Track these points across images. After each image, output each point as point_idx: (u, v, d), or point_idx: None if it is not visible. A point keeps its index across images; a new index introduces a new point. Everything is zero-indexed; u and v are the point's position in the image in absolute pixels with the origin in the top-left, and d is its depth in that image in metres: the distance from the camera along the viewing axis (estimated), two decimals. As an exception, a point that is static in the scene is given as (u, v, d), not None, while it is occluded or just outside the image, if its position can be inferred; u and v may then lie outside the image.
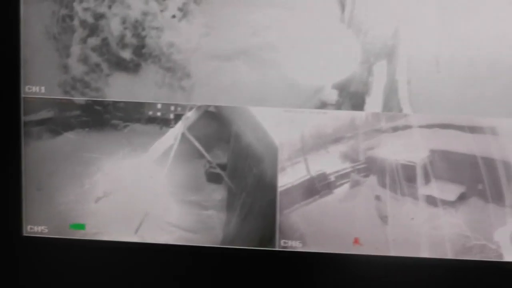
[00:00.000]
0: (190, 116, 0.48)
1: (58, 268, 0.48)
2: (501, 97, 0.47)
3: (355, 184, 0.48)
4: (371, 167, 0.48)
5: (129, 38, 0.47)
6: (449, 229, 0.48)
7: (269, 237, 0.48)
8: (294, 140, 0.48)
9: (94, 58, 0.48)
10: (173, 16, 0.47)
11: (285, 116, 0.47)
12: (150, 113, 0.48)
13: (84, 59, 0.48)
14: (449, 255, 0.48)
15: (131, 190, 0.48)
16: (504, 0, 0.46)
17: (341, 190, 0.48)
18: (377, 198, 0.48)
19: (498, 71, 0.47)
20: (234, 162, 0.48)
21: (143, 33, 0.47)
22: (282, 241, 0.48)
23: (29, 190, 0.48)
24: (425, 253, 0.48)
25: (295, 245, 0.48)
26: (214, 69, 0.47)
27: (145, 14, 0.47)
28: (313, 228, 0.48)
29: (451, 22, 0.47)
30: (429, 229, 0.48)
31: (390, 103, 0.47)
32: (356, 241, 0.48)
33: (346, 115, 0.47)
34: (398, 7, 0.47)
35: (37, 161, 0.48)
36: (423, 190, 0.48)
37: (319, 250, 0.48)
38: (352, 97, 0.47)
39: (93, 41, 0.48)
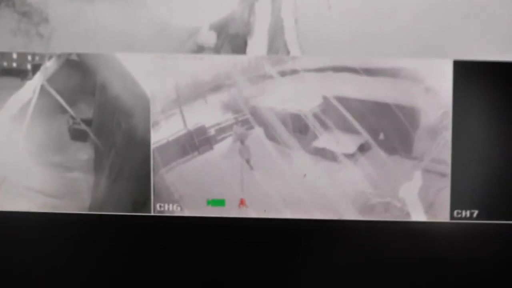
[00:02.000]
0: (50, 66, 0.42)
1: None
2: (402, 35, 0.42)
3: (239, 138, 0.42)
4: (256, 118, 0.42)
5: (-21, -20, 0.42)
6: (348, 185, 0.42)
7: (143, 201, 0.42)
8: (168, 90, 0.42)
9: None
10: (28, -46, 0.42)
11: (157, 63, 0.42)
12: (5, 64, 0.42)
13: None
14: (349, 215, 0.42)
15: (-15, 153, 0.42)
16: None
17: (223, 145, 0.42)
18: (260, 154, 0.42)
19: (398, 5, 0.41)
20: (100, 117, 0.42)
21: (-5, -26, 0.42)
22: (158, 205, 0.42)
23: None
24: (321, 215, 0.42)
25: (173, 209, 0.42)
26: (75, 12, 0.42)
27: (-4, -48, 0.42)
28: (193, 189, 0.42)
29: (343, -48, 0.41)
30: (325, 187, 0.42)
31: (276, 45, 0.42)
32: (242, 202, 0.42)
33: (225, 60, 0.42)
34: None
35: None
36: (316, 142, 0.42)
37: (200, 214, 0.42)
38: (232, 39, 0.42)
39: None
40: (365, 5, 0.41)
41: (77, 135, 0.42)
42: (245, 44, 0.42)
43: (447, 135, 0.41)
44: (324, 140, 0.42)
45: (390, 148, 0.41)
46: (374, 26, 0.42)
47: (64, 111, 0.42)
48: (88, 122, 0.42)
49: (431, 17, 0.41)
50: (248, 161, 0.42)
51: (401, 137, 0.41)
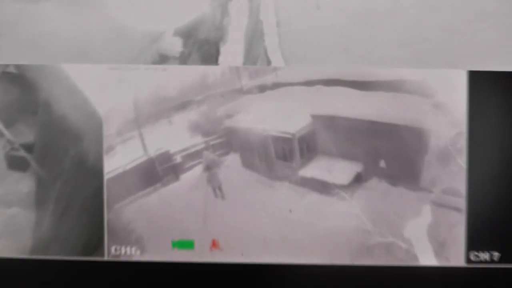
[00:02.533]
0: (-17, 80, 0.35)
1: None
2: (405, 40, 0.35)
3: (210, 166, 0.35)
4: (231, 141, 0.35)
5: None
6: (343, 223, 0.35)
7: (95, 243, 0.35)
8: (125, 108, 0.35)
9: None
10: None
11: (112, 76, 0.35)
12: None
13: None
14: (344, 259, 0.35)
15: None
16: None
17: (191, 175, 0.35)
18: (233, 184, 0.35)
19: (399, 4, 0.35)
20: (44, 141, 0.35)
21: None
22: (112, 248, 0.35)
23: None
24: (309, 258, 0.35)
25: (131, 253, 0.35)
26: (15, 16, 0.35)
27: None
28: (155, 228, 0.35)
29: None
30: (315, 225, 0.35)
31: (254, 52, 0.35)
32: (214, 244, 0.35)
33: (194, 71, 0.35)
34: None
35: None
36: (303, 171, 0.35)
37: (165, 259, 0.35)
38: (201, 46, 0.35)
39: None
40: (360, 4, 0.35)
41: (16, 164, 0.35)
42: (217, 52, 0.35)
43: (462, 160, 0.34)
44: (313, 169, 0.35)
45: (392, 178, 0.35)
46: (371, 29, 0.35)
47: (0, 134, 0.35)
48: (28, 148, 0.35)
49: (439, 18, 0.35)
50: (221, 194, 0.35)
51: (406, 164, 0.34)
